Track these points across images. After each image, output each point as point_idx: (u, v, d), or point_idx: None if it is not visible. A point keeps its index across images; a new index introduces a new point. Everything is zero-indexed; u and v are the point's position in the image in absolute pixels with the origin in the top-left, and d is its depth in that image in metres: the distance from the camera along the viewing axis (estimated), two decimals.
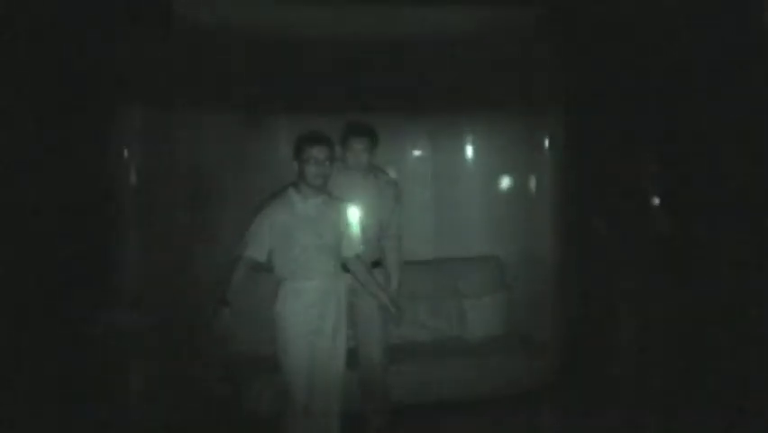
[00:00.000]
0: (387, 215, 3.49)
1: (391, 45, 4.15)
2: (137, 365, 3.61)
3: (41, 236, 3.03)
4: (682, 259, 3.48)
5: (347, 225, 3.18)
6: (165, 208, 3.77)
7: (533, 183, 4.46)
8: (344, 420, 3.24)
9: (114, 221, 3.56)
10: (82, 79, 3.27)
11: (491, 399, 3.92)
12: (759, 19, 2.96)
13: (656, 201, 3.73)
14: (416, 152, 4.71)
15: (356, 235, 3.21)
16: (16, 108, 2.95)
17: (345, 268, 3.24)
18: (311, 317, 3.07)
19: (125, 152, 3.64)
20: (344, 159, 3.40)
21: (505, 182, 4.64)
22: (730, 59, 3.11)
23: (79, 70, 3.24)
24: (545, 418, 3.91)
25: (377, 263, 3.46)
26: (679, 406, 3.52)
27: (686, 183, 3.49)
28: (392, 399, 3.60)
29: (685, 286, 3.44)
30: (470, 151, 4.75)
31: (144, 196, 3.68)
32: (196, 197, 3.91)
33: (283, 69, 4.05)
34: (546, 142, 4.33)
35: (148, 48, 3.61)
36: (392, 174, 3.96)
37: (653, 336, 3.79)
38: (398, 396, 3.68)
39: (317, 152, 3.04)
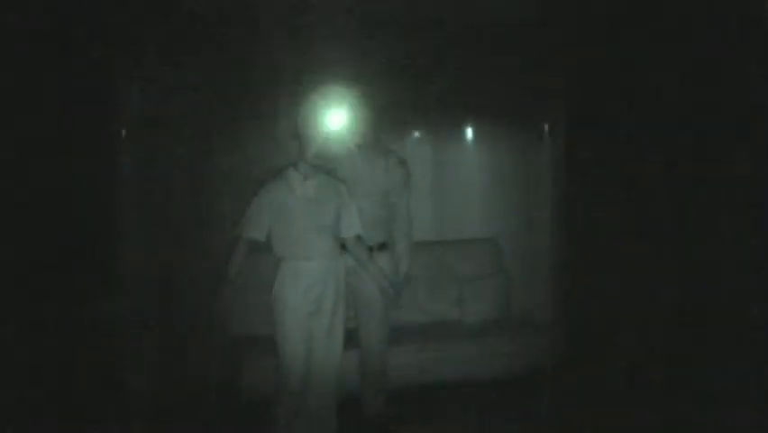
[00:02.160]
0: (395, 196, 3.46)
1: (392, 28, 4.11)
2: (135, 348, 3.59)
3: (39, 222, 2.99)
4: (683, 251, 3.49)
5: (347, 205, 3.16)
6: (165, 190, 3.74)
7: (532, 165, 4.45)
8: (342, 401, 3.24)
9: (113, 204, 3.53)
10: (80, 58, 3.22)
11: (490, 381, 3.92)
12: (760, 17, 2.95)
13: (657, 190, 3.72)
14: (416, 134, 4.68)
15: (356, 216, 3.18)
16: (13, 91, 2.91)
17: (345, 249, 3.22)
18: (310, 298, 3.06)
19: (123, 133, 3.60)
20: None
21: (504, 165, 4.62)
22: (732, 58, 3.10)
23: (77, 50, 3.19)
24: (544, 400, 3.91)
25: (383, 246, 3.43)
26: (679, 390, 3.53)
27: (687, 174, 3.49)
28: (391, 381, 3.60)
29: (685, 276, 3.44)
30: (469, 133, 4.73)
31: (144, 178, 3.65)
32: (195, 178, 3.88)
33: (284, 50, 4.01)
34: (546, 127, 4.31)
35: (147, 30, 3.56)
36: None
37: (654, 320, 3.79)
38: (397, 379, 3.68)
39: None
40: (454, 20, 4.08)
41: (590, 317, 4.05)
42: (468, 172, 4.70)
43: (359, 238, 3.21)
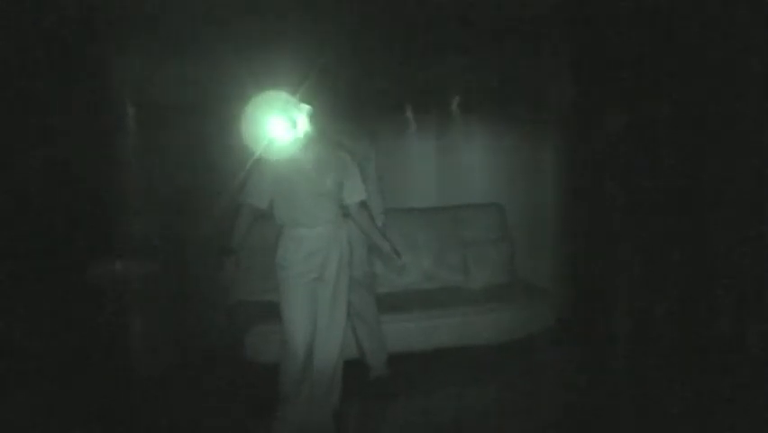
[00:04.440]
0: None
1: None
2: (139, 314, 3.60)
3: (43, 184, 2.98)
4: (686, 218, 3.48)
5: (350, 171, 3.12)
6: (167, 155, 3.70)
7: (536, 131, 4.40)
8: (346, 367, 3.25)
9: (116, 168, 3.51)
10: (80, 31, 3.17)
11: (494, 346, 3.93)
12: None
13: (659, 156, 3.69)
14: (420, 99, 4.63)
15: (359, 182, 3.15)
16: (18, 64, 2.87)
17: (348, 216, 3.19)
18: (313, 265, 3.04)
19: (124, 101, 3.56)
20: None
21: (508, 130, 4.57)
22: (739, 57, 3.06)
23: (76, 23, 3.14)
24: (547, 365, 3.94)
25: None
26: (677, 354, 3.56)
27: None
28: (396, 346, 3.61)
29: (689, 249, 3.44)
30: (473, 98, 4.66)
31: (146, 142, 3.62)
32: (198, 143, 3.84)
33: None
34: (552, 92, 4.27)
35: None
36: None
37: (656, 285, 3.80)
38: (402, 344, 3.69)
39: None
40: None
41: (593, 281, 4.06)
42: (472, 137, 4.65)
43: (363, 205, 3.17)
